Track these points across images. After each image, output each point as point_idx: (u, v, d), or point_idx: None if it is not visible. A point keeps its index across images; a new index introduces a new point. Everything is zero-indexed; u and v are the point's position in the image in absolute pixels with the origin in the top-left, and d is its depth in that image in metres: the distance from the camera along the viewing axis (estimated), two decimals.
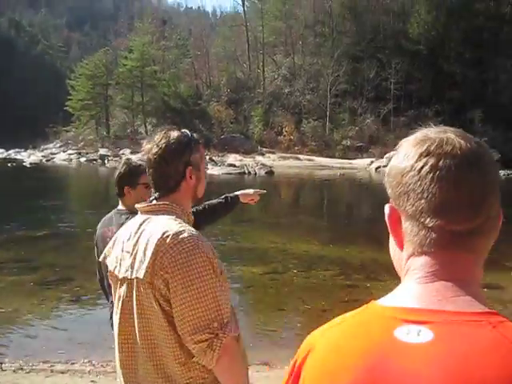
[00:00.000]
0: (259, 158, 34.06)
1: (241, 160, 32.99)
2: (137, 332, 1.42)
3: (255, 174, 27.19)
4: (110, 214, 2.59)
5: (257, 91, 38.12)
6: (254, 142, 35.05)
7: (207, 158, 32.03)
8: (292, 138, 35.05)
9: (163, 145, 1.47)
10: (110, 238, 1.98)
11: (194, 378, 1.40)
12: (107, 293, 2.42)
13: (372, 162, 30.51)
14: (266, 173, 27.10)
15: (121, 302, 1.47)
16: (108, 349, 4.76)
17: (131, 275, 1.42)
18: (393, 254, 0.73)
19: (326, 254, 10.26)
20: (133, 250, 1.44)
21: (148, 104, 41.01)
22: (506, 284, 7.75)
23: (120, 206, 2.56)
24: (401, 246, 0.69)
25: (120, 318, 1.47)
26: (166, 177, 1.49)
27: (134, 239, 1.46)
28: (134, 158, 2.87)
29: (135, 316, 1.42)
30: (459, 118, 34.81)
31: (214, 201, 2.53)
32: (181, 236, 1.37)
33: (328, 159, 32.92)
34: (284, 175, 27.86)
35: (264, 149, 35.69)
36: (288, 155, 34.86)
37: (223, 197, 2.56)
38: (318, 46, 38.31)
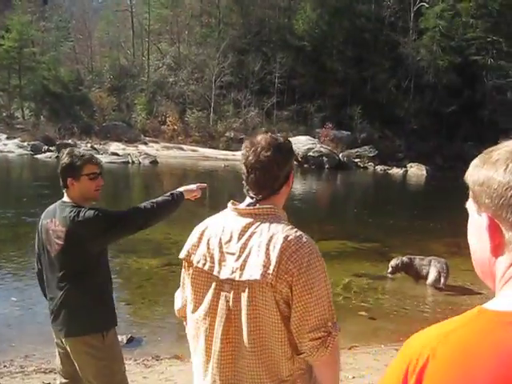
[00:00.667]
0: (142, 147, 35.78)
1: (123, 149, 33.97)
2: (245, 330, 1.61)
3: (139, 163, 28.72)
4: (53, 206, 2.74)
5: (141, 79, 39.87)
6: (137, 131, 36.40)
7: (88, 145, 33.86)
8: (176, 127, 36.67)
9: (276, 148, 1.66)
10: (53, 230, 2.49)
11: (295, 370, 1.64)
12: (44, 288, 2.78)
13: None
14: (150, 162, 28.75)
15: (221, 301, 1.64)
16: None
17: (240, 277, 1.60)
18: (480, 257, 0.84)
19: None
20: (240, 252, 1.62)
21: (26, 87, 40.53)
22: None
23: (65, 198, 2.69)
24: (496, 252, 0.79)
25: (217, 317, 1.64)
26: (274, 179, 1.68)
27: (241, 241, 1.64)
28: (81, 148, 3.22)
29: (244, 315, 1.60)
30: (340, 113, 38.61)
31: (160, 198, 2.70)
32: (302, 241, 1.59)
33: (212, 150, 34.93)
34: (168, 165, 29.46)
35: (147, 138, 37.08)
36: (171, 145, 36.75)
37: (168, 194, 2.73)
38: (205, 36, 40.93)
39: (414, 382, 0.78)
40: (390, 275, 8.47)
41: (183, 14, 41.82)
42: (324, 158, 32.54)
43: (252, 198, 1.67)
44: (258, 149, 1.64)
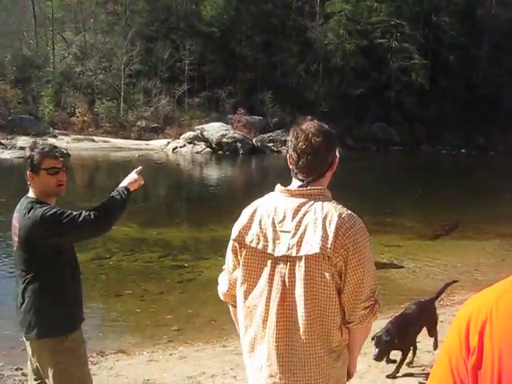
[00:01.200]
0: (52, 140, 37.34)
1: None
2: (300, 303, 1.87)
3: None
4: (21, 200, 2.83)
5: (46, 70, 40.45)
6: (46, 124, 37.02)
7: None
8: (85, 119, 37.66)
9: (324, 134, 1.95)
10: (14, 226, 2.70)
11: (342, 340, 1.94)
12: None
13: (168, 142, 35.07)
14: None
15: (276, 278, 1.89)
16: None
17: (297, 253, 1.85)
18: None
19: (146, 236, 11.45)
20: (296, 229, 1.87)
21: None
22: None
23: (29, 193, 2.80)
24: None
25: (273, 293, 1.90)
26: (323, 163, 1.96)
27: (296, 220, 1.89)
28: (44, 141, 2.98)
29: (299, 289, 1.86)
30: (251, 99, 41.09)
31: (108, 200, 2.79)
32: (354, 218, 1.89)
33: (124, 140, 35.97)
34: (80, 158, 30.16)
35: (56, 130, 36.94)
36: (82, 137, 36.86)
37: (115, 193, 2.80)
38: (111, 24, 42.32)
39: (479, 345, 0.90)
40: None
41: (87, 1, 42.83)
42: (238, 143, 34.73)
43: (302, 180, 1.96)
44: (310, 135, 1.94)
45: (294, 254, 1.89)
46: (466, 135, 51.84)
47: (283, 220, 1.92)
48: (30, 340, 2.78)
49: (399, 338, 4.12)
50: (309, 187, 1.94)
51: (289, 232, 1.91)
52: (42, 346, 2.74)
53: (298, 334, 1.90)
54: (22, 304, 2.76)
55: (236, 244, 2.02)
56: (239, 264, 2.02)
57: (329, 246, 1.83)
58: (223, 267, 2.17)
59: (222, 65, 42.30)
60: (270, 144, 38.12)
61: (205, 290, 7.72)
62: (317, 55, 46.09)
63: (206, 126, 35.99)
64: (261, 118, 40.75)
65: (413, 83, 48.84)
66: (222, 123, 36.85)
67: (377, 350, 4.05)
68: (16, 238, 2.73)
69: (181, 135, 36.14)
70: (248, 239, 1.97)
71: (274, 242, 1.92)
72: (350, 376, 2.12)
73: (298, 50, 45.43)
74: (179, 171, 26.88)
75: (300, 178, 1.98)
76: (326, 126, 2.05)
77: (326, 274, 1.86)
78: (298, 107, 42.62)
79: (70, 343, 2.73)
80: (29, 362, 2.93)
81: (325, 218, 1.86)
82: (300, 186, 1.95)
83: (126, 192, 2.83)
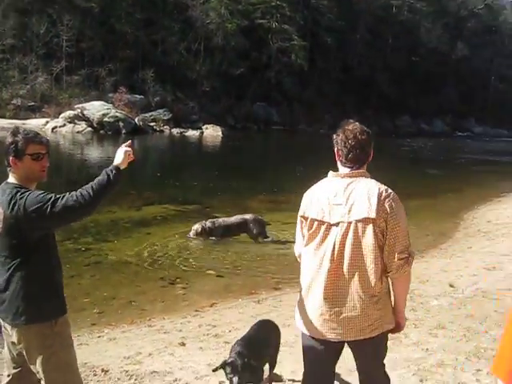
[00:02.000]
0: None
1: None
2: (348, 256, 2.78)
3: None
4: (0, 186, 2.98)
5: None
6: None
7: None
8: None
9: (367, 132, 2.90)
10: None
11: (382, 288, 2.80)
12: None
13: (47, 122, 36.46)
14: None
15: (330, 237, 2.80)
16: None
17: (349, 219, 2.75)
18: None
19: None
20: (346, 202, 2.79)
21: None
22: None
23: (9, 179, 2.99)
24: None
25: (328, 249, 2.81)
26: (367, 154, 2.90)
27: (345, 195, 2.80)
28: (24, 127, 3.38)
29: (349, 245, 2.76)
30: (132, 77, 43.51)
31: (96, 181, 2.90)
32: (389, 191, 2.78)
33: None
34: None
35: None
36: None
37: (102, 174, 2.92)
38: None
39: None
40: (191, 237, 10.01)
41: None
42: (120, 122, 36.97)
43: (350, 167, 2.90)
44: (358, 134, 2.88)
45: (346, 220, 2.80)
46: (342, 115, 59.49)
47: (335, 196, 2.85)
48: (16, 327, 2.93)
49: (255, 357, 3.86)
50: (355, 171, 2.91)
51: (340, 204, 2.83)
52: (30, 332, 2.92)
53: (345, 279, 2.80)
54: (5, 290, 2.93)
55: (302, 219, 3.01)
56: (304, 235, 3.01)
57: (373, 210, 2.73)
58: (295, 236, 3.16)
59: (102, 42, 44.09)
60: (153, 123, 40.90)
61: (115, 272, 8.29)
62: (198, 34, 49.59)
63: (87, 105, 37.88)
64: (142, 96, 43.31)
65: (292, 64, 54.23)
66: (102, 102, 38.77)
67: (235, 378, 3.67)
68: (0, 224, 2.86)
69: (60, 114, 37.71)
70: (311, 214, 2.92)
71: (329, 213, 2.85)
72: (399, 327, 3.02)
73: (179, 28, 48.45)
74: (60, 152, 27.40)
75: (348, 166, 2.94)
76: (365, 127, 2.99)
77: (371, 233, 2.75)
78: (180, 86, 46.47)
79: (58, 327, 2.97)
80: (6, 350, 3.12)
81: (368, 192, 2.78)
82: (349, 171, 2.88)
83: (115, 171, 2.93)
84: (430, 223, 12.62)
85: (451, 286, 7.64)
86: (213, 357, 5.10)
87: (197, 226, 10.10)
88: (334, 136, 3.05)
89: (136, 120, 39.25)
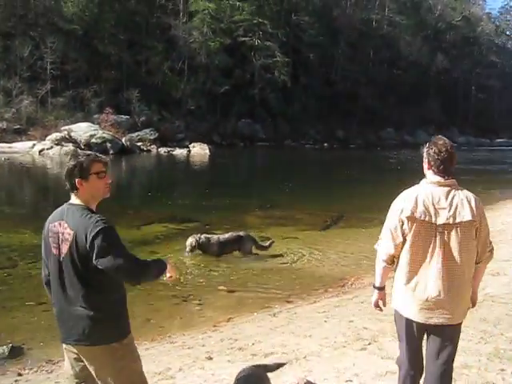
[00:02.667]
0: None
1: None
2: (457, 252, 3.35)
3: None
4: (60, 209, 3.19)
5: None
6: None
7: None
8: None
9: (454, 147, 3.49)
10: (61, 233, 3.04)
11: (471, 274, 3.46)
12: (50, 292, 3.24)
13: (34, 144, 36.50)
14: None
15: (438, 238, 3.34)
16: None
17: (454, 221, 3.29)
18: None
19: (27, 242, 11.44)
20: (449, 206, 3.32)
21: None
22: None
23: (73, 200, 3.15)
24: None
25: (436, 248, 3.35)
26: (454, 165, 3.43)
27: (448, 200, 3.33)
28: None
29: (456, 244, 3.32)
30: (117, 98, 43.86)
31: (151, 262, 3.28)
32: (478, 198, 3.40)
33: None
34: None
35: None
36: None
37: (158, 263, 3.30)
38: None
39: None
40: (187, 254, 10.11)
41: None
42: (107, 143, 36.96)
43: (442, 176, 3.42)
44: (449, 148, 3.42)
45: (451, 222, 3.33)
46: (326, 130, 60.27)
47: (439, 201, 3.35)
48: (88, 346, 3.10)
49: None
50: (449, 181, 3.44)
51: (445, 208, 3.34)
52: (104, 349, 3.09)
53: (456, 271, 3.38)
54: (71, 314, 3.11)
55: (406, 219, 3.40)
56: (404, 233, 3.42)
57: (475, 214, 3.35)
58: (380, 237, 3.59)
59: (86, 63, 44.49)
60: (139, 143, 41.12)
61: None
62: (181, 53, 50.22)
63: (73, 127, 38.07)
64: (128, 117, 43.65)
65: (276, 80, 55.10)
66: (89, 123, 39.06)
67: None
68: (66, 245, 3.03)
69: (46, 136, 37.70)
70: (417, 215, 3.36)
71: (435, 215, 3.33)
72: (473, 302, 3.66)
73: (162, 48, 49.04)
74: (48, 174, 27.67)
75: (440, 175, 3.44)
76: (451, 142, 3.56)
77: (472, 233, 3.36)
78: (165, 105, 47.01)
79: (128, 341, 3.18)
80: (68, 366, 3.32)
81: (466, 199, 3.38)
82: (445, 180, 3.42)
83: (161, 271, 3.24)
84: None
85: None
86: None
87: (190, 240, 10.20)
88: (426, 149, 3.56)
89: (123, 140, 39.43)
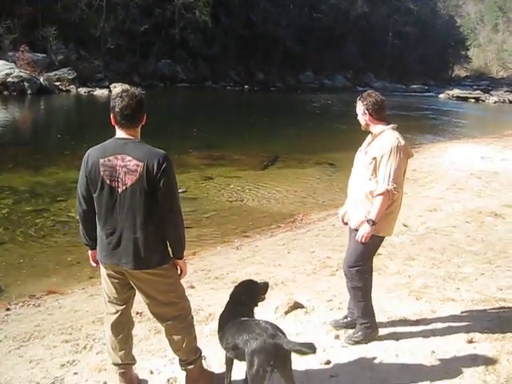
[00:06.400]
0: None
1: None
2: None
3: None
4: (109, 143, 3.45)
5: None
6: None
7: None
8: None
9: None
10: (122, 166, 3.30)
11: None
12: (88, 229, 3.65)
13: None
14: None
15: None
16: None
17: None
18: None
19: None
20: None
21: None
22: None
23: (127, 136, 3.43)
24: None
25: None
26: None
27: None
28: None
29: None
30: (32, 35, 42.70)
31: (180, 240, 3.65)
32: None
33: None
34: None
35: None
36: None
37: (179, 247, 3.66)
38: None
39: None
40: None
41: None
42: (25, 82, 36.41)
43: (388, 122, 4.06)
44: (381, 97, 4.28)
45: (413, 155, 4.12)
46: (247, 72, 61.80)
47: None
48: (146, 269, 3.47)
49: None
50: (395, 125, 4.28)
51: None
52: (157, 271, 3.48)
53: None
54: (128, 240, 3.41)
55: (407, 160, 4.18)
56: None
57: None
58: (390, 179, 4.15)
59: None
60: (58, 83, 40.77)
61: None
62: None
63: None
64: (44, 55, 42.81)
65: (197, 20, 55.13)
66: (4, 61, 38.23)
67: None
68: (133, 177, 3.31)
69: None
70: (410, 155, 4.21)
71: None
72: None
73: None
74: None
75: (384, 122, 4.21)
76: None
77: None
78: (83, 44, 46.54)
79: (173, 261, 3.61)
80: (113, 292, 3.66)
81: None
82: None
83: (184, 247, 3.68)
84: None
85: (405, 225, 8.81)
86: None
87: None
88: (363, 102, 4.37)
89: (41, 80, 38.94)
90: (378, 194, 4.18)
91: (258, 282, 4.14)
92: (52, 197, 11.34)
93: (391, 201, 4.23)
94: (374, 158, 4.23)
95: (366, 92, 4.46)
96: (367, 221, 4.24)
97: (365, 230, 4.25)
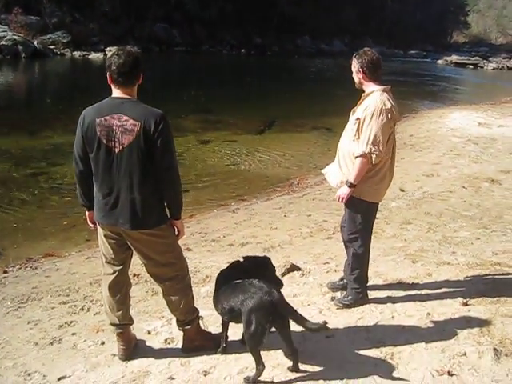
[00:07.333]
0: None
1: None
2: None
3: None
4: (105, 103, 3.37)
5: None
6: None
7: None
8: None
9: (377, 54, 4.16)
10: (118, 126, 3.23)
11: None
12: (85, 190, 3.60)
13: None
14: None
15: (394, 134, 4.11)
16: None
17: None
18: None
19: None
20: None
21: None
22: None
23: (123, 95, 3.36)
24: None
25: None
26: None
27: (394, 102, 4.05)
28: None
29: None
30: None
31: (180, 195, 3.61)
32: None
33: None
34: None
35: None
36: None
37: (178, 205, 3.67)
38: None
39: None
40: None
41: None
42: (19, 46, 35.66)
43: (381, 82, 4.03)
44: (377, 55, 4.14)
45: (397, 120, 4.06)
46: (244, 36, 61.22)
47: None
48: (143, 229, 3.46)
49: None
50: (388, 87, 4.27)
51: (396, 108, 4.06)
52: (154, 231, 3.47)
53: None
54: (125, 200, 3.38)
55: (393, 123, 4.13)
56: (389, 137, 4.11)
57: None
58: (369, 142, 4.07)
59: None
60: (52, 46, 40.14)
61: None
62: None
63: None
64: (38, 18, 41.97)
65: None
66: None
67: None
68: (129, 136, 3.26)
69: None
70: (396, 117, 4.12)
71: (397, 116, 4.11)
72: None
73: None
74: None
75: (378, 82, 4.15)
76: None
77: None
78: (77, 7, 45.35)
79: (170, 222, 3.58)
80: (111, 252, 3.64)
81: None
82: None
83: (182, 206, 3.65)
84: None
85: (402, 190, 8.93)
86: (226, 256, 5.83)
87: None
88: (358, 60, 4.23)
89: (35, 43, 38.26)
90: (356, 157, 4.14)
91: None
92: (48, 161, 11.32)
93: (371, 164, 4.16)
94: (358, 119, 4.16)
95: (363, 49, 4.36)
96: (346, 182, 4.23)
97: (342, 191, 4.26)
